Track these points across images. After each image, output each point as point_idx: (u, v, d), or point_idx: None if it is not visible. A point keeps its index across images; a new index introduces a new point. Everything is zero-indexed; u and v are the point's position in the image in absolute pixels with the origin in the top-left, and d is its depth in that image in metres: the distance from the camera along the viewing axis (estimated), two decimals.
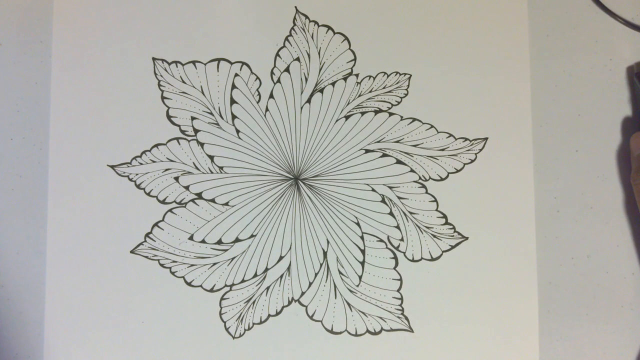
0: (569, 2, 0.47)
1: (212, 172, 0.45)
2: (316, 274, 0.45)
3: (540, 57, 0.46)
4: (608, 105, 0.46)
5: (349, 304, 0.45)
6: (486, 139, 0.45)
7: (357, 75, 0.46)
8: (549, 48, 0.46)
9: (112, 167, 0.45)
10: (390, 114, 0.46)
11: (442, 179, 0.45)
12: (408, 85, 0.46)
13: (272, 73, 0.46)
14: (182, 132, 0.46)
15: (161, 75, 0.46)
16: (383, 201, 0.45)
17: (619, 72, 0.46)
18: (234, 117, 0.46)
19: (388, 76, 0.46)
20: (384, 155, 0.45)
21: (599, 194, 0.45)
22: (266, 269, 0.45)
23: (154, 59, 0.46)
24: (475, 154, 0.45)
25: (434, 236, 0.45)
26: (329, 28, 0.46)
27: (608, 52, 0.46)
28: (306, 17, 0.46)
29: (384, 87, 0.46)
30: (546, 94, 0.46)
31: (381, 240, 0.45)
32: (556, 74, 0.46)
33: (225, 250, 0.45)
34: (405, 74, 0.46)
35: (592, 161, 0.46)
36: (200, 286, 0.45)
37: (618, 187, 0.45)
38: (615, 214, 0.45)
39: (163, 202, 0.45)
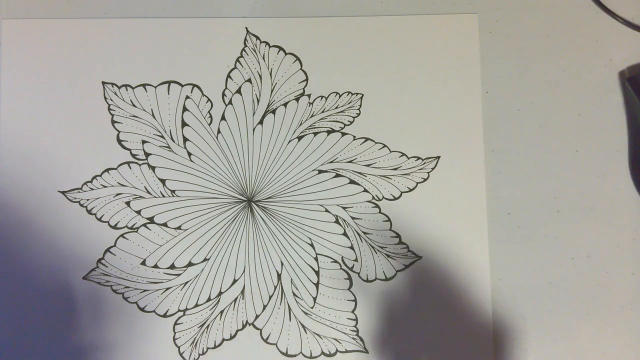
0: (569, 2, 0.47)
1: (163, 196, 0.45)
2: (270, 297, 0.44)
3: (540, 57, 0.46)
4: (608, 106, 0.46)
5: (303, 326, 0.44)
6: (438, 157, 0.45)
7: (309, 95, 0.46)
8: (549, 48, 0.46)
9: (63, 193, 0.45)
10: (343, 134, 0.46)
11: (395, 199, 0.45)
12: (360, 105, 0.46)
13: (223, 95, 0.46)
14: (133, 155, 0.45)
15: (111, 99, 0.45)
16: (337, 222, 0.45)
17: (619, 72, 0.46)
18: (185, 139, 0.45)
19: (340, 96, 0.46)
20: (337, 175, 0.45)
21: (599, 194, 0.45)
22: (220, 293, 0.44)
23: (103, 82, 0.45)
24: (428, 172, 0.45)
25: (388, 256, 0.45)
26: (280, 49, 0.46)
27: (608, 52, 0.46)
28: (257, 37, 0.46)
29: (336, 107, 0.46)
30: (546, 94, 0.46)
31: (335, 261, 0.45)
32: (556, 74, 0.46)
33: (178, 275, 0.44)
34: (357, 93, 0.46)
35: (592, 161, 0.46)
36: (154, 311, 0.44)
37: (618, 187, 0.45)
38: (615, 214, 0.45)
39: (115, 227, 0.45)
